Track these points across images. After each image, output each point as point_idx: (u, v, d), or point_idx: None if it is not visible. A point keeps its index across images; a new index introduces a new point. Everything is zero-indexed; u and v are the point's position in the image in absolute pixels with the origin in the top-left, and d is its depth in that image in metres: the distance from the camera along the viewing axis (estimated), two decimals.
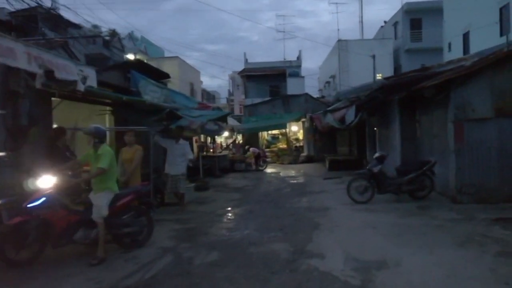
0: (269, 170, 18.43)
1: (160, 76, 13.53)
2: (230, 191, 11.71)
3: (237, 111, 38.73)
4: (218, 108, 11.90)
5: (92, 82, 7.20)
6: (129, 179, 6.90)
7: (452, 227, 6.17)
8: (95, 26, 31.58)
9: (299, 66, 34.86)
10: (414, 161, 9.39)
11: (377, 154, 8.66)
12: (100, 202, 5.21)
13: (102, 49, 29.50)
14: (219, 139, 41.12)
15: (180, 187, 8.44)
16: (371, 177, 8.45)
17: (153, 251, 5.54)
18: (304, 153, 22.88)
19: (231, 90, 56.88)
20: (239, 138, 29.13)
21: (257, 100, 27.91)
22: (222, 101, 59.72)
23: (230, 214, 8.32)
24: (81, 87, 6.19)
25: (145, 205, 6.04)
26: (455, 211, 7.22)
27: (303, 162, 21.38)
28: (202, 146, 19.90)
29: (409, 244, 5.43)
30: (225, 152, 21.23)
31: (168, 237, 6.36)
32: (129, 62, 13.58)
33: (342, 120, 13.07)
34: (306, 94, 23.83)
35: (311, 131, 21.75)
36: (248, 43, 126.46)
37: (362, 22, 33.33)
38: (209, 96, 62.50)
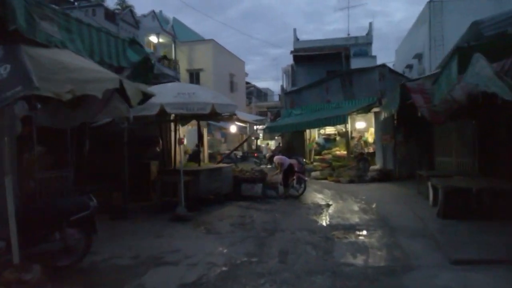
0: (310, 196, 9.84)
1: None
2: None
3: None
4: (135, 42, 3.60)
5: None
6: None
7: None
8: None
9: (369, 44, 25.22)
10: None
11: None
12: None
13: (104, 22, 23.02)
14: (268, 142, 32.74)
15: None
16: None
17: None
18: (376, 166, 13.69)
19: (284, 86, 48.10)
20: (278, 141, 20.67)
21: None
22: (275, 98, 52.32)
23: None
24: None
25: None
26: None
27: (373, 180, 12.43)
28: (197, 152, 11.72)
29: None
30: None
31: None
32: None
33: None
34: (383, 65, 14.47)
35: (390, 128, 12.54)
36: None
37: None
38: (259, 93, 54.80)
